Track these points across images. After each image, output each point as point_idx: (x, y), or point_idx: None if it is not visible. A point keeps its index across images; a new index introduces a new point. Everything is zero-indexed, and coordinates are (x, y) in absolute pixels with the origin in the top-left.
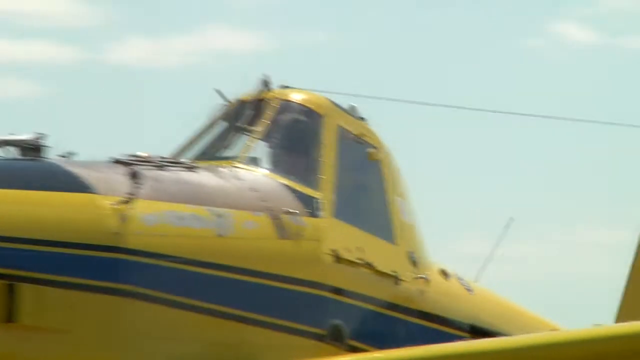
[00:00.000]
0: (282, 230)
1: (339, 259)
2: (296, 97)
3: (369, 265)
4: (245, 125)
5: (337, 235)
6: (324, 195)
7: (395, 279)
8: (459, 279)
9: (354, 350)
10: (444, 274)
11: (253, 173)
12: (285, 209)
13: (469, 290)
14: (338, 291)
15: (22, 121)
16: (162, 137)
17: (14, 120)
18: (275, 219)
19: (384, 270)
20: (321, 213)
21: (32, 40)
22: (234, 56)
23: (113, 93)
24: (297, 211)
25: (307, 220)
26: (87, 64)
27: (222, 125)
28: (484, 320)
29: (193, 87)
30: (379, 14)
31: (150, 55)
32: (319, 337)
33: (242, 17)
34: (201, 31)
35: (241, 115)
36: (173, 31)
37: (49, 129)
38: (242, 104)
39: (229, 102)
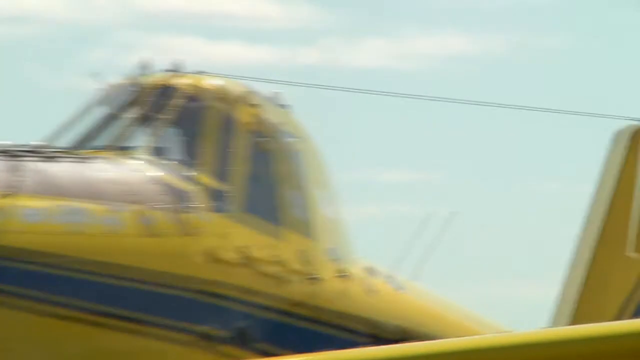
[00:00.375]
0: (151, 226)
1: (217, 257)
2: (187, 82)
3: (262, 262)
4: (125, 112)
5: (225, 231)
6: (215, 186)
7: (307, 277)
8: (388, 276)
9: (241, 355)
10: (370, 271)
11: (126, 164)
12: (158, 203)
13: (398, 288)
14: (215, 292)
15: None
16: None
17: None
18: (145, 214)
19: (293, 268)
20: (208, 207)
21: (264, 44)
22: (468, 60)
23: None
24: (174, 206)
25: (186, 216)
26: (324, 66)
27: (101, 111)
28: (412, 320)
29: (430, 91)
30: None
31: (387, 59)
32: (192, 341)
33: (476, 22)
34: (437, 35)
35: (121, 101)
36: (412, 34)
37: None
38: (122, 89)
39: (108, 86)
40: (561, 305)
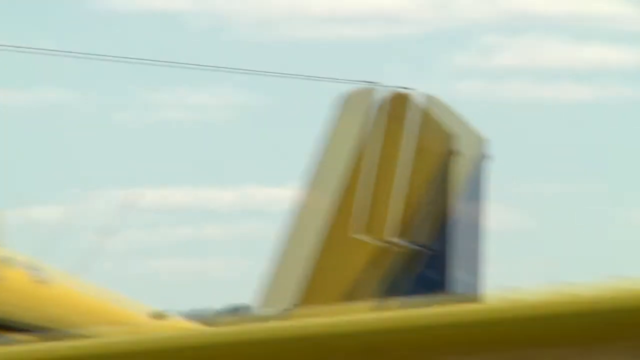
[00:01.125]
0: None
1: None
2: None
3: None
4: None
5: None
6: None
7: None
8: (31, 267)
9: None
10: (3, 261)
11: None
12: None
13: (41, 282)
14: None
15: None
16: None
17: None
18: None
19: None
20: None
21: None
22: None
23: None
24: None
25: None
26: None
27: None
28: (54, 315)
29: None
30: None
31: None
32: None
33: None
34: None
35: None
36: None
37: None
38: None
39: None
40: (274, 283)
